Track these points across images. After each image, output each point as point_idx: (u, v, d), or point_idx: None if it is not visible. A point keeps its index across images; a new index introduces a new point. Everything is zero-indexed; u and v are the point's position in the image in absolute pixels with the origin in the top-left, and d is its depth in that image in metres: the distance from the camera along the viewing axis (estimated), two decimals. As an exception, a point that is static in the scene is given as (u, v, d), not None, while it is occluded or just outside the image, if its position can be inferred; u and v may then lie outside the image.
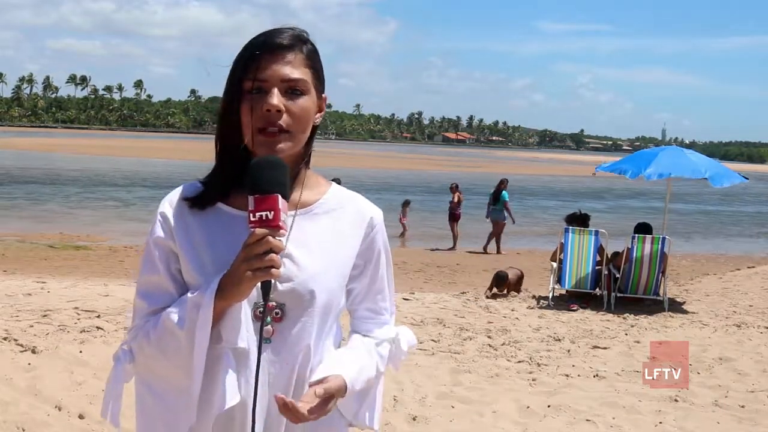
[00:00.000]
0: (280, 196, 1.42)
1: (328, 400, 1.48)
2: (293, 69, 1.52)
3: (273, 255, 1.40)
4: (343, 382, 1.52)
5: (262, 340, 1.47)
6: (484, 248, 16.27)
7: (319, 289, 1.55)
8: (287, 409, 1.42)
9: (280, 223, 1.41)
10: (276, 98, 1.49)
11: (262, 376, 1.50)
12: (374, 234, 1.66)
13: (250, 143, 1.52)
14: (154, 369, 1.54)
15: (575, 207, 13.76)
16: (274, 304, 1.53)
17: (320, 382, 1.50)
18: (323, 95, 1.61)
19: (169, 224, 1.57)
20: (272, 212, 1.40)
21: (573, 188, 42.65)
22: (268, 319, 1.53)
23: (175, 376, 1.51)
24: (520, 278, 10.16)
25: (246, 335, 1.50)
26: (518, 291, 10.00)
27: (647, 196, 35.83)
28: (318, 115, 1.59)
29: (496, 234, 16.39)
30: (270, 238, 1.40)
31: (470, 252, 16.23)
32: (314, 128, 1.59)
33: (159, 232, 1.57)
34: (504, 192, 16.56)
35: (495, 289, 9.83)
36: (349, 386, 1.53)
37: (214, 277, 1.47)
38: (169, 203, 1.59)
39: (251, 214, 1.41)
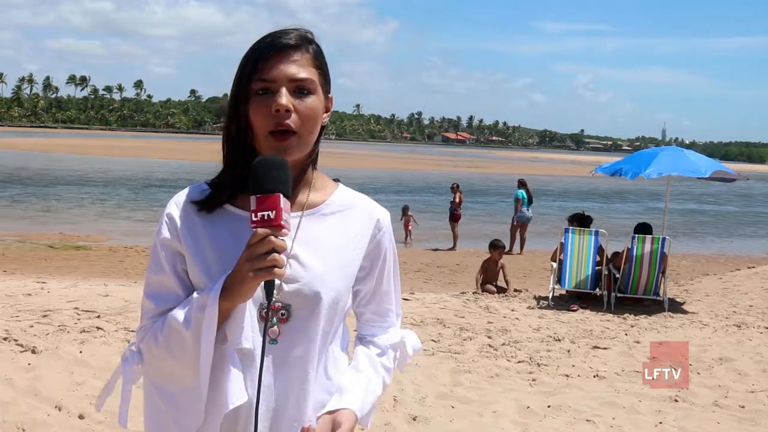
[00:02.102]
0: (281, 196, 1.42)
1: None
2: (301, 69, 1.51)
3: (275, 254, 1.40)
4: (354, 417, 1.56)
5: (266, 340, 1.47)
6: (511, 249, 16.12)
7: (325, 290, 1.55)
8: None
9: (282, 223, 1.41)
10: (285, 98, 1.48)
11: (267, 378, 1.50)
12: (381, 235, 1.66)
13: (260, 144, 1.52)
14: (162, 370, 1.55)
15: (591, 208, 13.76)
16: (280, 305, 1.53)
17: (332, 415, 1.54)
18: (330, 95, 1.60)
19: (176, 225, 1.57)
20: (274, 212, 1.40)
21: (576, 188, 42.70)
22: (274, 320, 1.53)
23: (183, 376, 1.51)
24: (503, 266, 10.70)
25: (251, 336, 1.50)
26: (504, 275, 10.54)
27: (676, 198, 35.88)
28: (325, 115, 1.59)
29: (523, 234, 16.58)
30: (272, 237, 1.39)
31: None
32: (321, 128, 1.59)
33: (165, 233, 1.57)
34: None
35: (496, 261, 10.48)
36: (359, 415, 1.57)
37: (219, 278, 1.47)
38: (176, 204, 1.59)
39: (253, 214, 1.41)
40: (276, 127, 1.49)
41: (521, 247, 16.41)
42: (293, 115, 1.49)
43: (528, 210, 16.69)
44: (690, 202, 38.02)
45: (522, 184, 17.04)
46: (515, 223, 16.64)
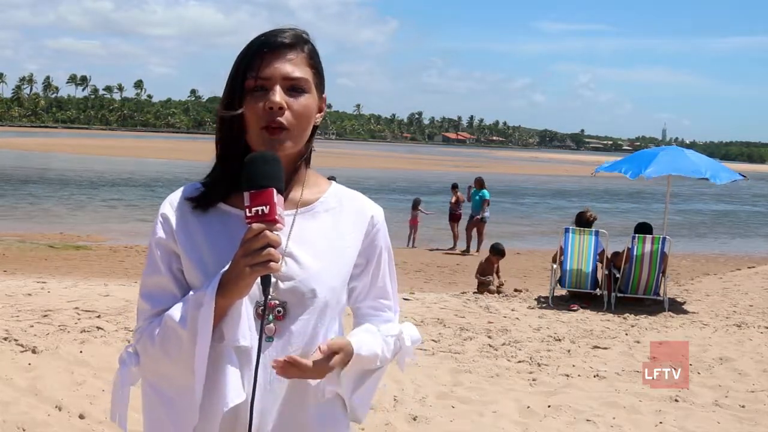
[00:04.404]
0: (275, 191, 1.42)
1: (331, 355, 1.50)
2: (295, 67, 1.53)
3: (271, 249, 1.40)
4: (349, 343, 1.55)
5: (263, 338, 1.48)
6: (468, 249, 16.21)
7: (321, 288, 1.56)
8: (290, 365, 1.44)
9: (277, 217, 1.42)
10: (278, 95, 1.49)
11: (264, 375, 1.50)
12: (375, 232, 1.67)
13: (252, 140, 1.52)
14: (159, 370, 1.55)
15: (620, 209, 13.72)
16: (276, 302, 1.53)
17: (331, 341, 1.53)
18: (323, 95, 1.61)
19: (170, 225, 1.57)
20: (268, 206, 1.41)
21: (579, 188, 42.69)
22: (270, 317, 1.53)
23: (179, 376, 1.51)
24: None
25: (248, 333, 1.50)
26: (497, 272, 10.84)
27: (683, 198, 35.88)
28: (318, 114, 1.60)
29: (482, 233, 16.52)
30: (267, 232, 1.40)
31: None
32: (314, 128, 1.60)
33: (160, 232, 1.57)
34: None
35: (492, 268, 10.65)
36: (355, 348, 1.55)
37: (215, 276, 1.47)
38: (170, 204, 1.60)
39: (247, 210, 1.42)
40: (268, 123, 1.50)
41: (479, 246, 16.11)
42: (286, 113, 1.50)
43: (486, 210, 16.60)
44: (717, 202, 38.08)
45: (482, 183, 16.86)
46: (482, 221, 16.39)
